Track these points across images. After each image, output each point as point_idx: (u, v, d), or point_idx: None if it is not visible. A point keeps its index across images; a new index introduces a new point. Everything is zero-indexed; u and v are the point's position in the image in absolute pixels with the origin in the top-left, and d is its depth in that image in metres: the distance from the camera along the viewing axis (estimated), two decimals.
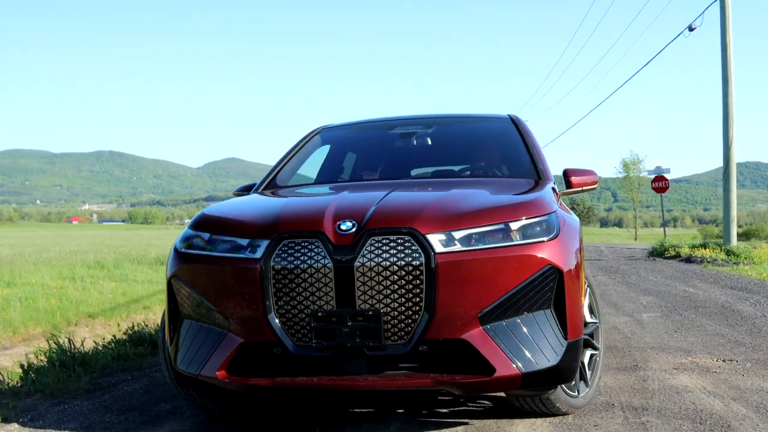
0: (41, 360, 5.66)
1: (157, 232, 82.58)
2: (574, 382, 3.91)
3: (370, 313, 3.35)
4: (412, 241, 3.38)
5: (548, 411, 3.86)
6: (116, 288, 12.12)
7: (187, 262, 3.73)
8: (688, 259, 17.93)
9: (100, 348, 6.19)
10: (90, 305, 9.79)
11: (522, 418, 3.89)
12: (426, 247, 3.35)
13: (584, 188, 4.85)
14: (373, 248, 3.38)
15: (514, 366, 3.35)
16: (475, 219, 3.49)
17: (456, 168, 5.21)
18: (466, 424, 3.81)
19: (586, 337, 4.05)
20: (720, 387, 4.53)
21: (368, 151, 5.50)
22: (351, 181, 4.94)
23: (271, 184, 5.00)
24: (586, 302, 4.08)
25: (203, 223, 3.85)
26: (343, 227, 3.44)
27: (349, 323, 3.37)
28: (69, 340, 5.77)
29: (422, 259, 3.34)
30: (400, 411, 4.10)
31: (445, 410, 4.11)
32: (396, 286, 3.35)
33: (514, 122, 5.27)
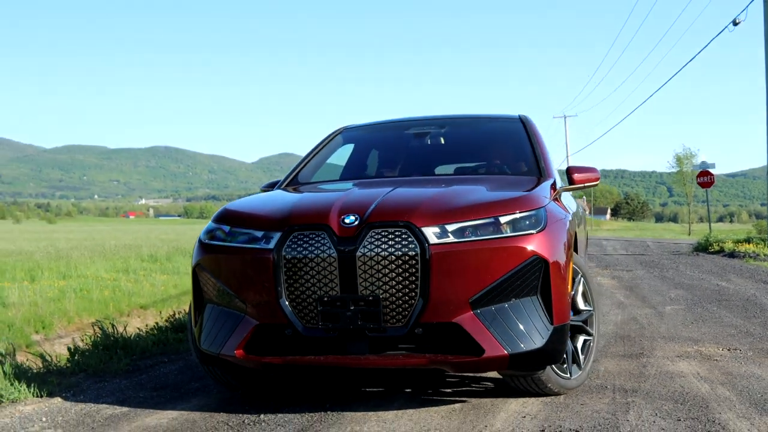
0: (87, 344, 6.12)
1: None
2: (566, 365, 4.21)
3: (371, 298, 3.71)
4: (409, 233, 3.72)
5: (540, 391, 4.16)
6: (168, 280, 12.69)
7: (209, 253, 4.14)
8: (732, 254, 17.92)
9: (143, 334, 6.65)
10: (142, 297, 10.33)
11: (516, 397, 4.19)
12: (421, 239, 3.70)
13: (586, 185, 5.13)
14: (373, 240, 3.74)
15: (501, 347, 3.68)
16: (468, 213, 3.82)
17: (465, 166, 5.53)
18: (464, 401, 4.14)
19: (580, 323, 4.34)
20: (713, 373, 4.78)
21: (385, 150, 5.85)
22: (364, 178, 5.28)
23: (293, 181, 5.38)
24: (580, 290, 4.37)
25: (225, 217, 4.24)
26: (347, 221, 3.80)
27: (352, 307, 3.73)
28: (112, 326, 6.23)
29: (418, 249, 3.69)
30: (407, 390, 4.44)
31: (447, 390, 4.44)
32: (394, 274, 3.70)
33: (523, 122, 5.56)
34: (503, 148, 5.50)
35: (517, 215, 3.87)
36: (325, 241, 3.80)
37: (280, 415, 3.97)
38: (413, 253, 3.70)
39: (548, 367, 4.05)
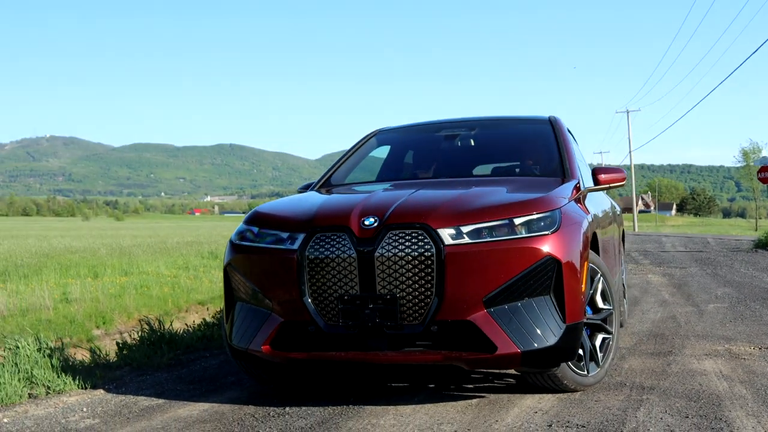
0: (134, 340, 6.42)
1: None
2: (583, 362, 4.32)
3: (388, 297, 3.88)
4: (425, 234, 3.89)
5: (556, 387, 4.28)
6: None
7: (239, 253, 4.36)
8: None
9: (190, 329, 6.93)
10: (200, 293, 10.65)
11: (533, 393, 4.32)
12: (437, 240, 3.86)
13: (611, 185, 5.20)
14: (391, 241, 3.91)
15: (514, 345, 3.81)
16: (483, 215, 3.97)
17: (492, 167, 5.65)
18: (482, 397, 4.28)
19: (599, 322, 4.45)
20: (736, 371, 4.82)
21: (417, 151, 6.01)
22: (395, 180, 5.45)
23: (326, 182, 5.59)
24: (599, 289, 4.48)
25: (254, 219, 4.47)
26: (366, 222, 3.99)
27: (371, 305, 3.92)
28: (159, 322, 6.51)
29: (433, 250, 3.85)
30: (430, 386, 4.60)
31: (469, 386, 4.58)
32: (410, 274, 3.87)
33: (552, 124, 5.66)
34: (530, 150, 5.62)
35: (532, 216, 4.00)
36: (346, 242, 3.98)
37: (304, 408, 4.17)
38: (429, 253, 3.86)
39: (564, 365, 4.17)
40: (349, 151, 5.96)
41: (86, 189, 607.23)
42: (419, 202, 4.19)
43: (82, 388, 4.87)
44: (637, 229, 54.46)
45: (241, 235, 4.46)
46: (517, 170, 5.44)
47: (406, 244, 3.90)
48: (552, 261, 3.90)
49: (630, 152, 62.88)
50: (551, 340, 3.87)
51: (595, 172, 5.24)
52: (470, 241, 3.89)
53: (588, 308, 4.47)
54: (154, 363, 5.65)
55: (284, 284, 4.10)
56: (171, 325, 6.69)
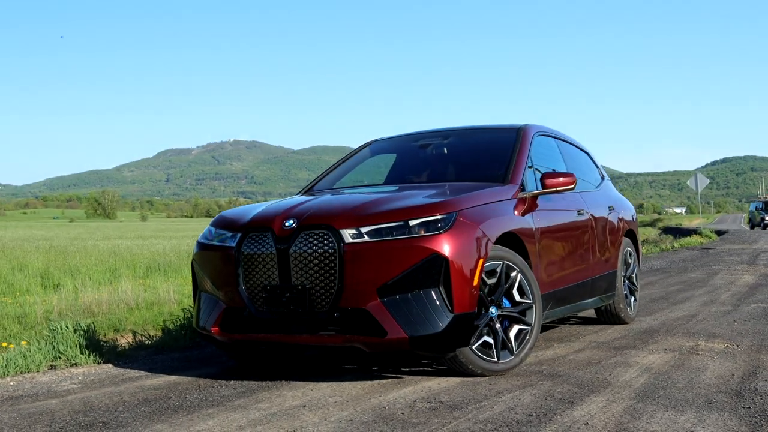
0: (176, 325, 7.37)
1: None
2: (492, 350, 4.80)
3: (300, 287, 4.58)
4: (330, 234, 4.55)
5: (463, 371, 4.79)
6: None
7: (200, 250, 5.19)
8: None
9: None
10: None
11: (446, 376, 4.84)
12: (339, 239, 4.50)
13: (558, 189, 5.58)
14: (303, 239, 4.62)
15: (402, 331, 4.41)
16: (381, 218, 4.60)
17: (448, 173, 6.13)
18: (396, 378, 4.87)
19: (515, 314, 4.94)
20: (665, 366, 5.11)
21: (397, 160, 6.62)
22: (372, 185, 6.09)
23: (310, 188, 6.35)
24: (516, 284, 4.95)
25: (215, 221, 5.27)
26: (286, 224, 4.71)
27: (287, 294, 4.63)
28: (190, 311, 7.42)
29: (336, 247, 4.51)
30: (354, 366, 5.22)
31: (405, 369, 5.16)
32: (318, 268, 4.55)
33: (518, 132, 6.08)
34: (488, 157, 6.09)
35: (427, 218, 4.57)
36: (269, 240, 4.72)
37: (241, 381, 4.93)
38: (332, 250, 4.52)
39: (469, 351, 4.69)
40: (342, 158, 6.68)
41: (267, 191, 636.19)
42: (329, 207, 4.86)
43: (96, 363, 5.83)
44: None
45: (204, 235, 5.27)
46: (464, 176, 5.94)
47: (315, 242, 4.58)
48: (439, 257, 4.44)
49: None
50: (438, 327, 4.42)
51: (543, 177, 5.62)
52: (369, 239, 4.52)
53: (506, 301, 4.96)
54: (178, 345, 6.55)
55: (226, 276, 4.89)
56: None
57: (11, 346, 6.20)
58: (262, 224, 4.83)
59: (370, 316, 4.47)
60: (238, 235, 4.89)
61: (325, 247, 4.56)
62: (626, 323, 7.20)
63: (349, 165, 6.71)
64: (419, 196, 5.00)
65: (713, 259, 16.80)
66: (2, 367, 5.46)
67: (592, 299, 6.51)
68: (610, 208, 7.08)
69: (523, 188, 5.49)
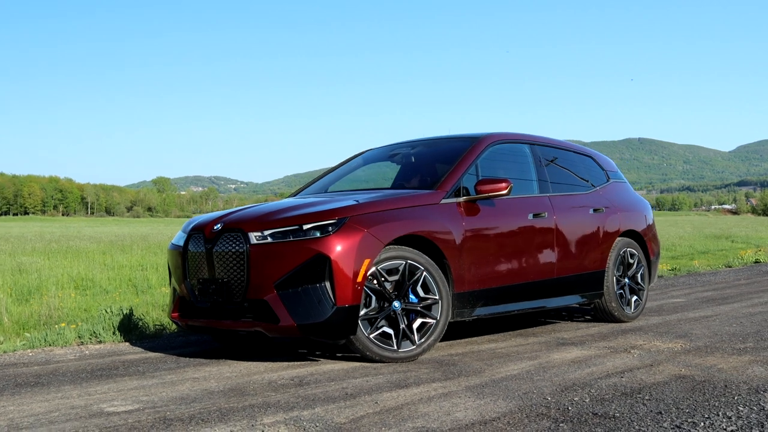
0: None
1: None
2: (392, 339, 5.45)
3: (221, 281, 5.48)
4: (241, 236, 5.42)
5: (364, 356, 5.49)
6: None
7: (170, 249, 6.21)
8: None
9: None
10: None
11: (353, 362, 5.55)
12: (247, 240, 5.35)
13: (490, 194, 6.02)
14: (223, 241, 5.55)
15: (291, 319, 5.21)
16: (281, 223, 5.45)
17: (412, 181, 6.77)
18: (313, 361, 5.62)
19: (419, 308, 5.56)
20: (592, 356, 5.48)
21: (375, 169, 7.31)
22: (349, 191, 6.83)
23: (298, 192, 7.28)
24: (420, 281, 5.57)
25: (184, 226, 6.25)
26: (215, 228, 5.64)
27: (213, 287, 5.56)
28: None
29: (244, 247, 5.37)
30: (304, 351, 5.99)
31: (318, 352, 5.92)
32: (232, 264, 5.47)
33: (473, 141, 6.56)
34: (439, 166, 6.63)
35: (319, 223, 5.34)
36: (201, 241, 5.65)
37: (198, 359, 5.89)
38: (242, 250, 5.41)
39: (365, 339, 5.40)
40: (336, 165, 7.52)
41: None
42: (244, 213, 5.75)
43: (119, 342, 7.00)
44: None
45: (175, 236, 6.27)
46: (408, 184, 6.57)
47: (231, 243, 5.50)
48: (322, 257, 5.19)
49: None
50: (322, 317, 5.18)
51: (477, 184, 6.08)
52: (271, 241, 5.35)
53: (412, 296, 5.57)
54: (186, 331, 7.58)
55: (178, 269, 5.92)
56: None
57: None
58: (199, 227, 5.82)
59: (268, 306, 5.30)
60: (185, 236, 5.88)
61: (237, 247, 5.45)
62: (623, 322, 7.38)
63: (342, 172, 7.51)
64: (332, 203, 5.71)
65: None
66: None
67: (563, 297, 6.83)
68: (600, 209, 7.28)
69: (458, 194, 6.03)
